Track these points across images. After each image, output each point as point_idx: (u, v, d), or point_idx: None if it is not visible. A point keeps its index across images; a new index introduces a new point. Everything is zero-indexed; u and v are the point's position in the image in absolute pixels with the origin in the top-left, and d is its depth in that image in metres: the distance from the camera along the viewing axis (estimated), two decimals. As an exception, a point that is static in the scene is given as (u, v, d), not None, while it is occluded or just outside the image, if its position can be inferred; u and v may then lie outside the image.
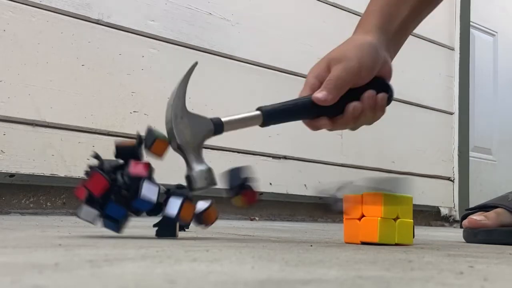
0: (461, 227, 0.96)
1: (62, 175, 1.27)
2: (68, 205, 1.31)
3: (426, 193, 2.08)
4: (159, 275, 0.33)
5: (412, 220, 0.72)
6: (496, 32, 2.59)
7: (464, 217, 0.97)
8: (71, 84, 1.30)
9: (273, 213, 1.70)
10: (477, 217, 0.92)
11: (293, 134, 1.70)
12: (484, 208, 0.95)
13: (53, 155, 1.27)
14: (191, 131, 0.71)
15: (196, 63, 0.71)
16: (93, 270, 0.34)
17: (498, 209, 0.92)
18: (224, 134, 1.62)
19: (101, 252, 0.46)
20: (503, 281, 0.36)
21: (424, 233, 1.28)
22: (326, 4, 1.82)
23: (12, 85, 1.22)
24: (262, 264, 0.41)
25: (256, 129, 1.63)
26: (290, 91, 1.70)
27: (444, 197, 2.16)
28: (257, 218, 1.62)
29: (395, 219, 0.70)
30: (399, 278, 0.36)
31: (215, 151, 1.53)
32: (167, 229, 0.68)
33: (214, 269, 0.37)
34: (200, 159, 0.71)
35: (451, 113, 2.19)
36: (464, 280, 0.36)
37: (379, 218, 0.69)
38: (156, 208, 0.66)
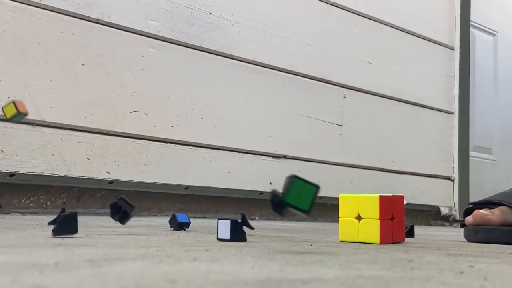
0: (461, 226, 0.96)
1: (62, 174, 1.28)
2: (68, 205, 1.31)
3: (426, 193, 2.08)
4: (159, 275, 0.33)
5: (378, 219, 0.74)
6: (497, 32, 2.59)
7: (466, 212, 0.97)
8: (71, 84, 1.30)
9: (273, 213, 1.70)
10: (484, 211, 0.92)
11: (293, 134, 1.70)
12: (487, 204, 0.95)
13: (53, 154, 1.27)
14: None
15: None
16: (93, 270, 0.34)
17: (502, 207, 0.92)
18: (224, 134, 1.64)
19: (101, 252, 0.46)
20: (503, 280, 0.36)
21: (424, 232, 1.28)
22: (326, 4, 1.82)
23: (12, 85, 1.22)
24: (262, 263, 0.41)
25: (256, 128, 1.63)
26: (290, 91, 1.70)
27: (444, 197, 2.16)
28: (257, 218, 1.62)
29: (358, 219, 0.75)
30: (399, 277, 0.36)
31: (215, 150, 1.53)
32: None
33: (214, 269, 0.37)
34: None
35: (451, 113, 2.19)
36: (464, 279, 0.36)
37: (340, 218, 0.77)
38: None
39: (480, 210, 0.93)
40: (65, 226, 0.62)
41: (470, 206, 0.97)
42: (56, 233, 0.62)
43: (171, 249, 0.52)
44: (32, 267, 0.35)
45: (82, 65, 1.32)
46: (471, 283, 0.34)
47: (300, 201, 0.53)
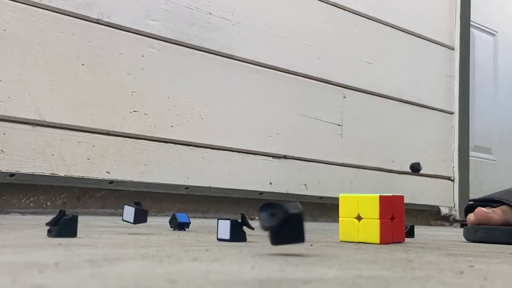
0: (461, 226, 0.96)
1: (62, 174, 1.28)
2: (68, 205, 1.31)
3: (426, 193, 2.08)
4: (159, 275, 0.33)
5: (378, 219, 0.74)
6: (497, 32, 2.59)
7: (467, 209, 0.97)
8: (71, 84, 1.30)
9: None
10: (486, 209, 0.93)
11: (293, 134, 1.70)
12: (488, 201, 0.95)
13: (53, 154, 1.27)
14: None
15: None
16: (93, 270, 0.34)
17: (504, 207, 0.93)
18: (223, 133, 1.63)
19: (101, 252, 0.46)
20: (503, 280, 0.36)
21: (424, 232, 1.28)
22: (326, 4, 1.82)
23: (12, 85, 1.22)
24: (262, 263, 0.41)
25: (256, 128, 1.63)
26: (290, 91, 1.70)
27: (444, 197, 2.16)
28: (257, 218, 1.62)
29: (358, 219, 0.75)
30: (399, 277, 0.36)
31: (215, 150, 1.53)
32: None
33: (214, 269, 0.37)
34: None
35: (451, 113, 2.20)
36: (464, 279, 0.36)
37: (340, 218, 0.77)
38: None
39: (482, 208, 0.93)
40: (65, 229, 0.62)
41: (471, 203, 0.98)
42: (55, 235, 0.62)
43: (171, 249, 0.52)
44: (32, 267, 0.35)
45: (82, 65, 1.32)
46: (471, 283, 0.34)
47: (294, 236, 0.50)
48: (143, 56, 1.42)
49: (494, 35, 2.58)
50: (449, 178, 2.18)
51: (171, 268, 0.37)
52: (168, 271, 0.35)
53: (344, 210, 0.78)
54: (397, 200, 0.79)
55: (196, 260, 0.43)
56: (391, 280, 0.34)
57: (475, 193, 2.26)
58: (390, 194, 0.78)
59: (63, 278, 0.31)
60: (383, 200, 0.76)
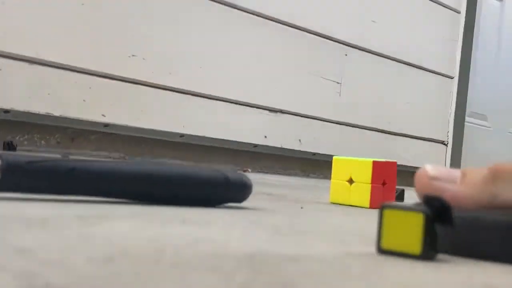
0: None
1: (57, 114, 1.27)
2: (62, 145, 1.31)
3: (418, 156, 2.08)
4: (147, 240, 0.33)
5: (369, 184, 0.75)
6: (504, -3, 2.55)
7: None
8: (71, 23, 1.28)
9: (266, 166, 1.71)
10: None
11: (291, 89, 1.69)
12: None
13: (49, 94, 1.26)
14: None
15: None
16: (80, 230, 0.34)
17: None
18: (221, 84, 1.60)
19: (90, 208, 0.46)
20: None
21: (414, 196, 1.29)
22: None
23: (10, 20, 1.20)
24: (251, 232, 0.41)
25: (254, 81, 1.61)
26: (291, 45, 1.68)
27: (437, 161, 2.17)
28: (249, 170, 1.62)
29: (349, 182, 0.76)
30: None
31: (212, 100, 1.52)
32: None
33: (203, 236, 0.37)
34: None
35: (451, 78, 2.18)
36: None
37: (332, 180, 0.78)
38: None
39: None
40: None
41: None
42: None
43: (162, 205, 0.52)
44: (19, 222, 0.35)
45: (82, 4, 1.29)
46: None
47: None
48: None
49: (501, 0, 2.55)
50: (442, 142, 2.18)
51: (159, 231, 0.37)
52: (156, 235, 0.35)
53: (336, 172, 0.78)
54: (390, 166, 0.79)
55: (184, 222, 0.43)
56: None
57: (467, 159, 2.27)
58: (384, 160, 0.78)
59: (49, 239, 0.31)
60: (376, 165, 0.76)
